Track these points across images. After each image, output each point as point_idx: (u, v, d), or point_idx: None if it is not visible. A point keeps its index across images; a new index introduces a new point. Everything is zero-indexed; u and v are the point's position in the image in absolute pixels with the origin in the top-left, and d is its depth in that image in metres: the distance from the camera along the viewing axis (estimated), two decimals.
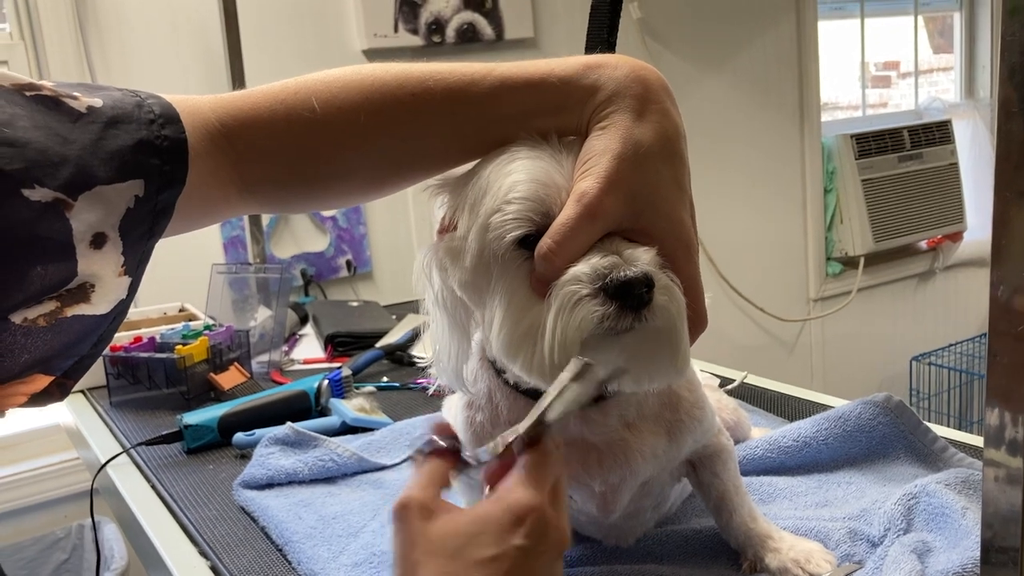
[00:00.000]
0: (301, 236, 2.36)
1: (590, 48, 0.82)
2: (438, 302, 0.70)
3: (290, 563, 0.93)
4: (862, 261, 3.35)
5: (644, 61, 0.63)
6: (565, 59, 0.63)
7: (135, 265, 0.59)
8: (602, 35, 0.81)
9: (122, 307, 0.59)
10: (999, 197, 0.52)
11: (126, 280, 0.58)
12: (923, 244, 3.59)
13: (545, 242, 0.58)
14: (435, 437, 0.60)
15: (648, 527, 0.89)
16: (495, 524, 0.55)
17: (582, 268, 0.58)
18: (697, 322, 0.64)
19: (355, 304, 2.03)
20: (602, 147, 0.59)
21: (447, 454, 0.60)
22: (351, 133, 0.64)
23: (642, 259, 0.59)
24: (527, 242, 0.61)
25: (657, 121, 0.60)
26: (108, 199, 0.55)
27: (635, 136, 0.59)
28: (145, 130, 0.58)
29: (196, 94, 0.65)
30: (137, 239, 0.58)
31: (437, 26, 2.44)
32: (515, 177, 0.61)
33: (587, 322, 0.57)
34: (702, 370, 1.18)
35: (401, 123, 0.63)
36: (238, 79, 2.03)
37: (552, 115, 0.62)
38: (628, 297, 0.57)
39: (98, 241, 0.55)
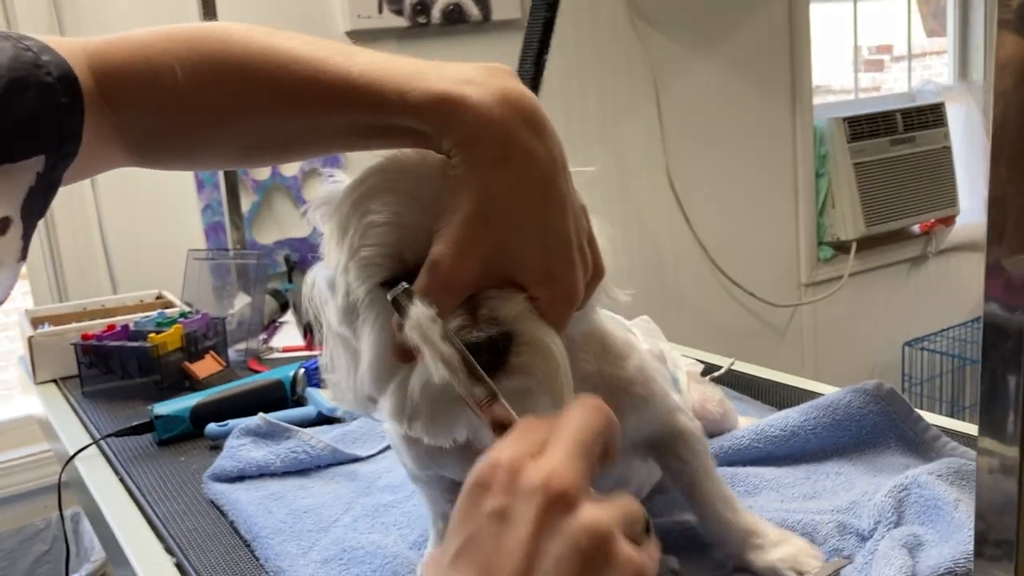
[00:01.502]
0: (284, 222, 2.32)
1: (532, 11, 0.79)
2: (329, 328, 0.67)
3: (257, 559, 0.90)
4: (854, 245, 3.32)
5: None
6: (424, 75, 0.56)
7: (27, 247, 0.56)
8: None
9: (4, 296, 0.56)
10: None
11: (20, 267, 0.55)
12: (916, 228, 3.56)
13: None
14: None
15: None
16: (461, 507, 0.47)
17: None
18: (594, 275, 0.61)
19: None
20: (454, 207, 0.55)
21: None
22: (210, 113, 0.60)
23: (500, 315, 0.54)
24: (389, 284, 0.57)
25: (517, 168, 0.55)
26: (14, 178, 0.51)
27: (488, 191, 0.54)
28: (47, 96, 0.54)
29: None
30: (33, 219, 0.55)
31: (423, 7, 2.40)
32: (368, 219, 0.57)
33: (431, 386, 0.54)
34: (684, 355, 1.15)
35: (259, 113, 0.60)
36: None
37: (408, 138, 0.58)
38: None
39: (2, 226, 0.51)
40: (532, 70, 0.78)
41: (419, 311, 0.52)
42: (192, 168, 0.73)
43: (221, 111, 0.60)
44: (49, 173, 0.55)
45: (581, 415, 0.48)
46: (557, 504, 0.43)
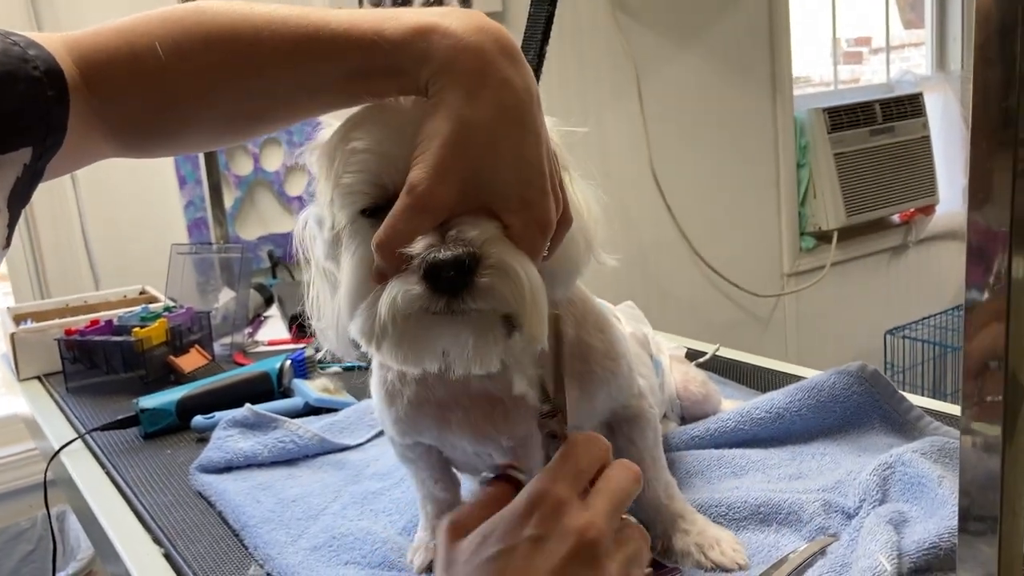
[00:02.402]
0: (268, 217, 2.31)
1: (535, 3, 0.80)
2: (317, 268, 0.68)
3: (247, 548, 0.90)
4: (835, 235, 3.35)
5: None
6: (398, 15, 0.58)
7: (12, 235, 0.56)
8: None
9: None
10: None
11: (4, 254, 0.56)
12: (896, 218, 3.58)
13: (377, 234, 0.55)
14: (505, 466, 0.62)
15: None
16: (507, 517, 0.54)
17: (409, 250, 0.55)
18: (562, 220, 0.61)
19: None
20: (432, 130, 0.55)
21: (512, 481, 0.60)
22: (195, 84, 0.60)
23: (470, 236, 0.55)
24: (372, 212, 0.59)
25: (493, 94, 0.55)
26: (3, 171, 0.52)
27: (465, 117, 0.55)
28: (35, 89, 0.54)
29: None
30: (20, 206, 0.55)
31: (404, 2, 2.39)
32: (352, 145, 0.59)
33: (400, 301, 0.54)
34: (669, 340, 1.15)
35: (243, 77, 0.60)
36: None
37: (388, 78, 0.58)
38: (438, 280, 0.53)
39: None
40: (536, 61, 0.79)
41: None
42: (177, 151, 0.72)
43: (204, 81, 0.60)
44: (35, 163, 0.55)
45: (623, 477, 0.58)
46: (586, 549, 0.53)
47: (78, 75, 0.59)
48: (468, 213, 0.56)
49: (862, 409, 0.99)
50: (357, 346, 0.63)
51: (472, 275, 0.54)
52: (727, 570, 0.78)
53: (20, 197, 0.56)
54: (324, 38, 0.58)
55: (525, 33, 0.83)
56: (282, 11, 0.59)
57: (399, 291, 0.54)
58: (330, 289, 0.68)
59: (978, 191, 0.52)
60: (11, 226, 0.55)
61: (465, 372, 0.57)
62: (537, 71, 0.77)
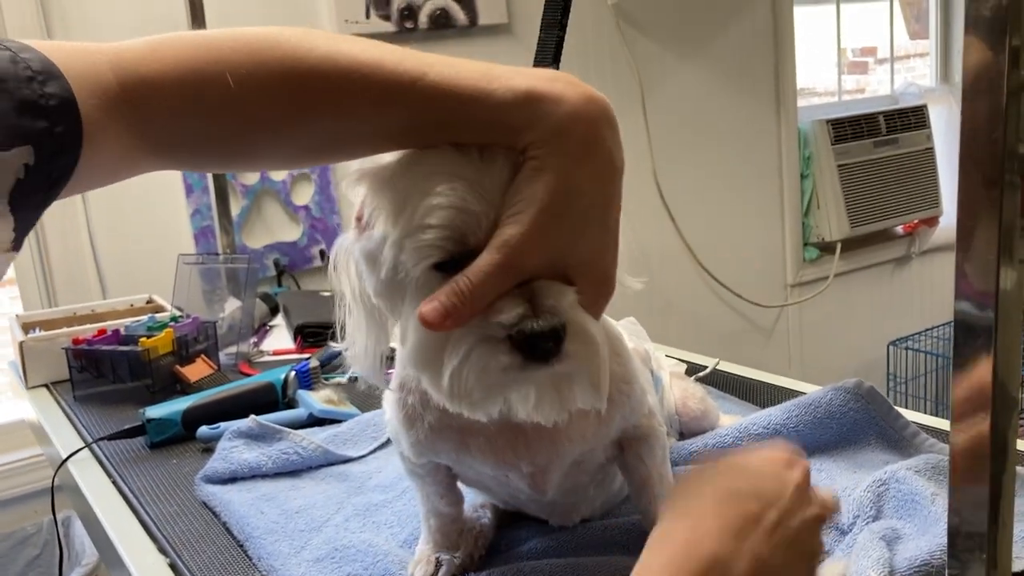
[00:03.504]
0: (273, 226, 2.33)
1: (545, 28, 0.81)
2: (356, 298, 0.68)
3: (250, 559, 0.91)
4: (839, 246, 3.35)
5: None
6: (508, 76, 0.58)
7: (23, 237, 0.55)
8: (556, 17, 0.81)
9: None
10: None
11: (12, 255, 0.55)
12: (899, 229, 3.59)
13: (461, 282, 0.56)
14: None
15: (594, 505, 0.89)
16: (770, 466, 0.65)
17: (494, 315, 0.57)
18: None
19: (326, 294, 2.00)
20: (532, 194, 0.56)
21: None
22: (266, 117, 0.59)
23: (558, 306, 0.57)
24: (442, 265, 0.59)
25: (596, 165, 0.57)
26: None
27: (568, 186, 0.56)
28: (26, 88, 0.53)
29: None
30: (31, 211, 0.54)
31: (410, 12, 2.41)
32: (433, 200, 0.58)
33: (490, 370, 0.57)
34: (668, 355, 1.17)
35: (320, 115, 0.59)
36: None
37: (482, 133, 0.58)
38: (535, 349, 0.56)
39: None
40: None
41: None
42: (231, 170, 0.72)
43: (279, 115, 0.59)
44: (46, 164, 0.54)
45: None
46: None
47: (121, 94, 0.58)
48: (546, 275, 0.58)
49: (858, 425, 1.00)
50: (386, 373, 0.65)
51: (561, 343, 0.57)
52: None
53: (29, 202, 0.54)
54: (422, 90, 0.57)
55: (536, 57, 0.85)
56: (372, 53, 0.58)
57: (488, 360, 0.56)
58: (374, 324, 0.68)
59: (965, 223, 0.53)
60: (17, 230, 0.54)
61: (529, 420, 0.60)
62: None
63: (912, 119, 3.50)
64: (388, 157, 0.63)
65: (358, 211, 0.66)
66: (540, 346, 0.56)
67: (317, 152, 0.64)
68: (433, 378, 0.59)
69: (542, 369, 0.57)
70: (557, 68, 0.82)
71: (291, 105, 0.59)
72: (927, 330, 3.52)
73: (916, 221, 3.57)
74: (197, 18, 1.95)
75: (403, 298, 0.62)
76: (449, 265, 0.58)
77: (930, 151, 3.55)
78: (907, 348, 3.49)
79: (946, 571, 0.59)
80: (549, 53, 0.83)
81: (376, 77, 0.57)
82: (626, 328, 1.01)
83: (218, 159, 0.65)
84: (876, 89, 3.84)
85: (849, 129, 3.34)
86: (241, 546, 0.94)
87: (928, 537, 0.76)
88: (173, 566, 0.92)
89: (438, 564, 0.82)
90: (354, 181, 0.65)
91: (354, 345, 0.70)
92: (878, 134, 3.41)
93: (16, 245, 0.54)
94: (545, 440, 0.74)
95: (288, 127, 0.60)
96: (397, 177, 0.61)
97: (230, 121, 0.60)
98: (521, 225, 0.56)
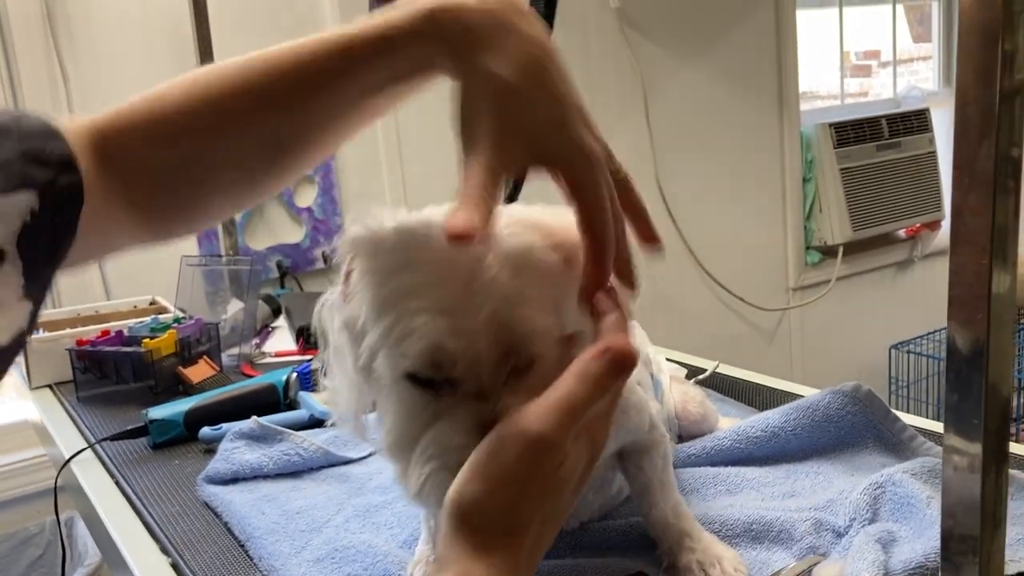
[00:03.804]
0: (276, 228, 2.34)
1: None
2: (337, 355, 0.69)
3: (251, 559, 0.92)
4: (841, 250, 3.36)
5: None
6: (401, 7, 0.58)
7: (39, 290, 0.56)
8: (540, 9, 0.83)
9: (22, 340, 0.55)
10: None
11: (27, 305, 0.55)
12: (901, 233, 3.60)
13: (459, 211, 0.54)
14: None
15: (592, 508, 0.89)
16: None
17: (444, 437, 0.58)
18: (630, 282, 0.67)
19: None
20: (474, 109, 0.57)
21: None
22: (212, 129, 0.61)
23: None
24: (417, 378, 0.60)
25: (514, 49, 0.57)
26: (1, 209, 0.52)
27: (497, 81, 0.56)
28: (28, 141, 0.56)
29: None
30: (40, 261, 0.55)
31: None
32: (413, 324, 0.58)
33: (446, 491, 0.56)
34: (668, 359, 1.17)
35: (261, 111, 0.61)
36: None
37: (419, 72, 0.59)
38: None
39: None
40: None
41: None
42: (202, 218, 0.71)
43: (220, 124, 0.61)
44: (51, 214, 0.55)
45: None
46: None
47: (100, 140, 0.61)
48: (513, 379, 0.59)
49: (856, 429, 1.01)
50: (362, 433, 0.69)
51: None
52: None
53: (38, 248, 0.55)
54: (345, 46, 0.59)
55: None
56: (292, 45, 0.61)
57: (446, 484, 0.55)
58: (342, 372, 0.69)
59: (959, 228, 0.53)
60: (28, 276, 0.54)
61: None
62: None
63: (915, 123, 3.51)
64: (386, 224, 0.63)
65: (346, 269, 0.66)
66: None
67: (272, 161, 0.64)
68: (400, 471, 0.61)
69: None
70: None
71: (227, 110, 0.61)
72: (929, 334, 3.53)
73: (918, 225, 3.57)
74: (200, 12, 1.95)
75: (379, 387, 0.63)
76: (427, 382, 0.60)
77: (933, 155, 3.55)
78: (909, 352, 3.49)
79: (939, 574, 0.59)
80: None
81: (306, 59, 0.60)
82: None
83: (183, 205, 0.66)
84: (879, 92, 3.85)
85: (852, 132, 3.35)
86: (242, 546, 0.95)
87: (923, 540, 0.77)
88: (175, 566, 0.93)
89: None
90: (347, 244, 0.65)
91: (337, 405, 0.71)
92: (881, 138, 3.41)
93: (29, 294, 0.54)
94: None
95: (232, 132, 0.61)
96: (384, 276, 0.61)
97: (179, 148, 0.62)
98: (483, 139, 0.56)
